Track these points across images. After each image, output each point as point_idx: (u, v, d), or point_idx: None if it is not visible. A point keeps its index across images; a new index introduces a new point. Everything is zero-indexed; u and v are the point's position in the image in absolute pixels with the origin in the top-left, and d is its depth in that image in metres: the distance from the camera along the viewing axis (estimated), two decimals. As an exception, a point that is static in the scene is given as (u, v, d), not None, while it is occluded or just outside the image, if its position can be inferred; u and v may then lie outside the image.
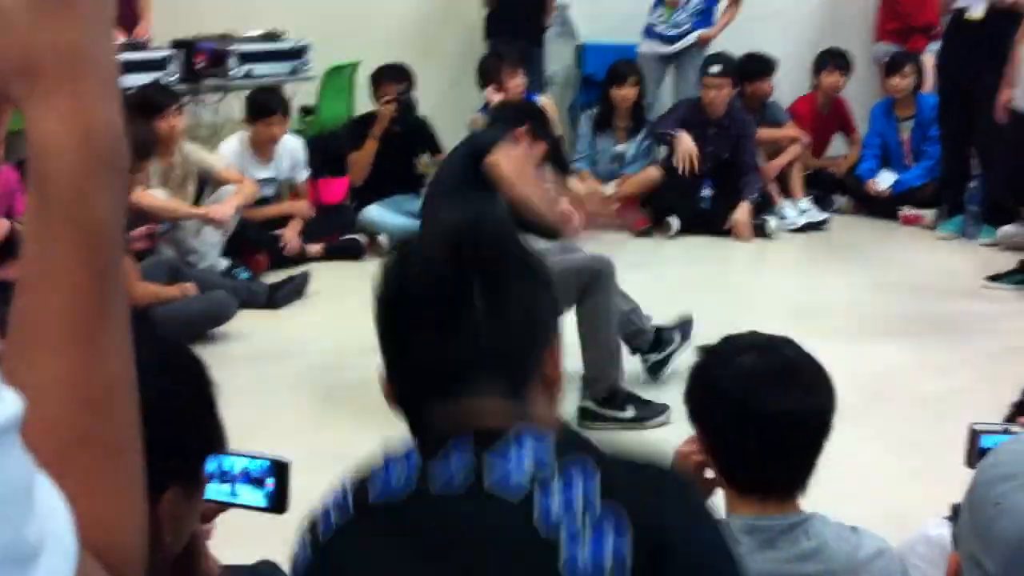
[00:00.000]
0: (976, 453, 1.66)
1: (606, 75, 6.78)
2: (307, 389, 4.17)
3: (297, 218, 5.86)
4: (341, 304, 5.00)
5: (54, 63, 0.65)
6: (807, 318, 4.68)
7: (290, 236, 5.78)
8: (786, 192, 6.86)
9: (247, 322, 4.80)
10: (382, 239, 5.98)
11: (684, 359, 3.88)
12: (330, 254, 5.90)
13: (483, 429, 1.12)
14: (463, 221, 1.23)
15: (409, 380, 1.19)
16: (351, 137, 6.33)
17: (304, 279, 5.32)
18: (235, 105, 6.20)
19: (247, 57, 6.23)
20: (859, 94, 7.33)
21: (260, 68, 6.26)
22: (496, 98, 6.05)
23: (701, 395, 1.68)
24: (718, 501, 1.62)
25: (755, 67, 6.91)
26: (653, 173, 6.67)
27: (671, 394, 3.67)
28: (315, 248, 5.88)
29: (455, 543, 1.09)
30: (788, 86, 7.20)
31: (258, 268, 5.57)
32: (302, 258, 5.77)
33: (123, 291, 0.68)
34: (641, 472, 1.13)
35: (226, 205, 5.33)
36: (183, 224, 5.24)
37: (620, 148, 6.80)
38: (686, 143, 6.50)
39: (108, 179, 0.66)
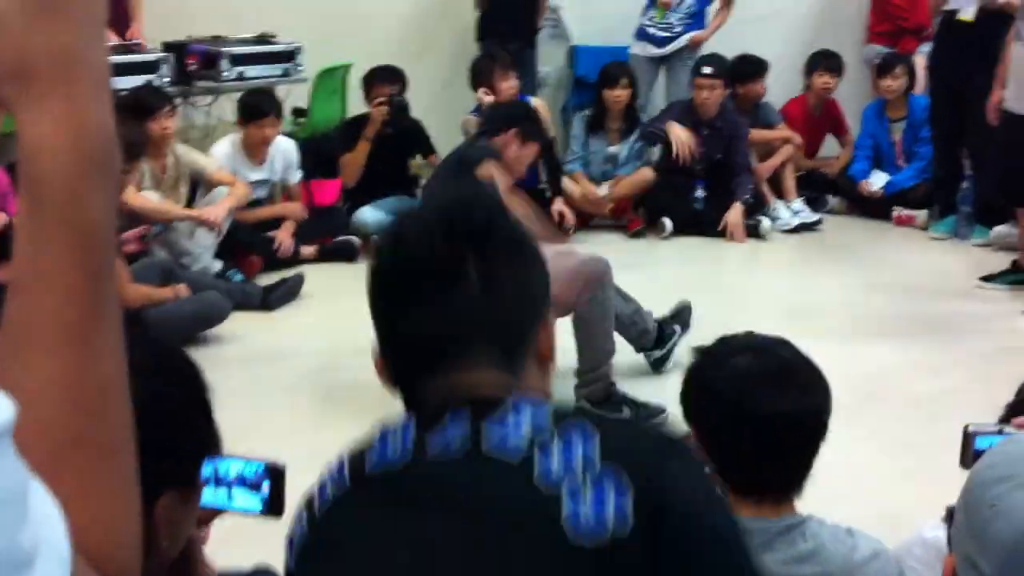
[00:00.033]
0: (971, 454, 1.66)
1: (598, 77, 6.78)
2: (301, 391, 4.16)
3: (290, 220, 5.85)
4: (335, 306, 4.99)
5: (47, 66, 0.65)
6: (800, 318, 4.69)
7: (283, 238, 5.77)
8: (779, 193, 6.87)
9: (240, 324, 4.79)
10: (375, 241, 5.97)
11: (683, 352, 3.95)
12: (324, 256, 5.90)
13: (480, 398, 1.12)
14: (456, 197, 1.23)
15: (404, 355, 1.19)
16: (344, 139, 6.32)
17: (298, 281, 5.32)
18: (227, 107, 6.18)
19: (239, 59, 6.21)
20: (851, 95, 7.34)
21: (252, 70, 6.25)
22: (488, 100, 6.05)
23: (696, 397, 1.68)
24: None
25: (747, 69, 6.92)
26: (646, 174, 6.67)
27: (669, 393, 3.67)
28: (309, 250, 5.88)
29: (453, 506, 1.08)
30: (780, 87, 7.21)
31: (251, 270, 5.56)
32: (296, 260, 5.76)
33: (116, 292, 0.69)
34: (640, 435, 1.13)
35: (219, 207, 5.32)
36: (176, 226, 5.24)
37: (613, 150, 6.80)
38: (678, 131, 6.51)
39: (101, 181, 0.66)
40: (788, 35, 7.59)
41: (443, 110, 6.73)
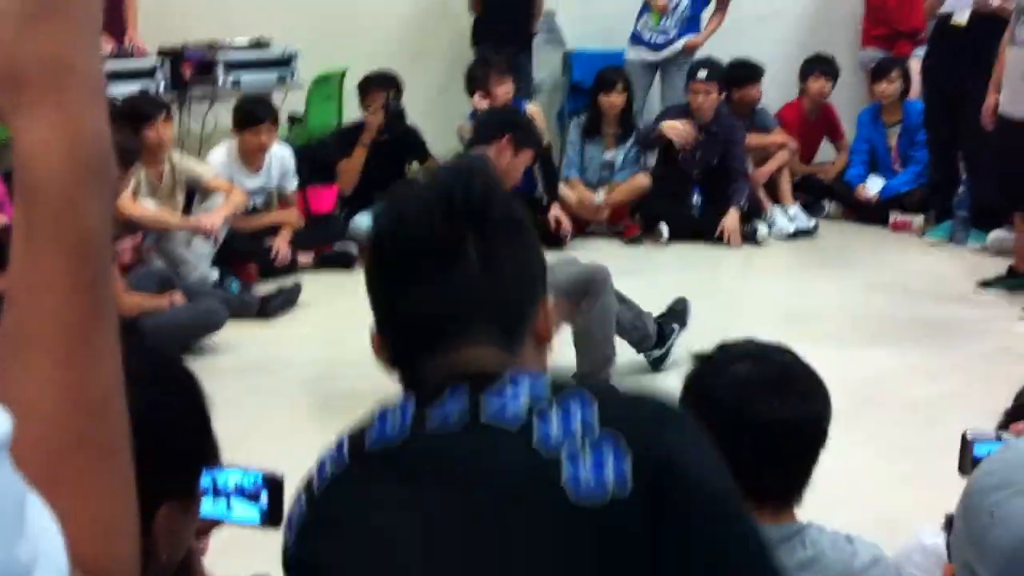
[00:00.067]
0: (970, 461, 1.66)
1: (594, 82, 6.78)
2: (299, 401, 4.15)
3: (287, 228, 5.83)
4: (333, 314, 4.99)
5: (40, 73, 0.65)
6: (798, 323, 4.70)
7: (280, 246, 5.75)
8: (775, 198, 6.87)
9: (237, 333, 4.78)
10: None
11: (682, 350, 4.01)
12: (321, 264, 5.89)
13: (478, 374, 1.12)
14: (454, 175, 1.23)
15: (403, 334, 1.19)
16: (340, 145, 6.32)
17: (295, 289, 5.30)
18: (223, 114, 6.18)
19: (234, 66, 6.22)
20: (846, 100, 7.35)
21: (248, 76, 6.25)
22: (484, 105, 6.05)
23: (696, 404, 1.67)
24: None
25: (742, 73, 6.92)
26: (642, 180, 6.67)
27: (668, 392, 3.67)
28: (306, 258, 5.87)
29: (452, 479, 1.08)
30: (775, 92, 7.22)
31: (248, 278, 5.54)
32: (293, 268, 5.75)
33: (113, 298, 0.69)
34: (638, 402, 1.13)
35: (215, 215, 5.31)
36: (172, 234, 5.22)
37: (609, 155, 6.80)
38: (671, 122, 6.51)
39: (97, 188, 0.66)
40: (783, 39, 7.60)
41: (439, 115, 6.73)
